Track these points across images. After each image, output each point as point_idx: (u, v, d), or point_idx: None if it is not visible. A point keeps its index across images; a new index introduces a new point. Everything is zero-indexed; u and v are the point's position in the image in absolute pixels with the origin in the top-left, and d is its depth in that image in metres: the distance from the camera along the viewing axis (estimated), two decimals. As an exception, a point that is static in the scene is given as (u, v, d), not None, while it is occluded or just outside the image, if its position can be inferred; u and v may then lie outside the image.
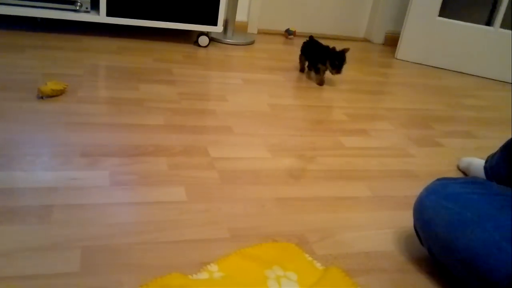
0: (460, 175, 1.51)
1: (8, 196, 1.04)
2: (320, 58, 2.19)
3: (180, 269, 0.90)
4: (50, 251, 0.90)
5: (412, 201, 1.04)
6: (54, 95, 1.59)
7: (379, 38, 3.33)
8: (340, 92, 2.16)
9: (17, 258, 0.87)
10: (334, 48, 2.13)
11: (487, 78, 2.82)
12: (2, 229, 0.94)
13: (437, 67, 2.90)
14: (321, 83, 2.20)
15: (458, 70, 2.87)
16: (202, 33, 2.54)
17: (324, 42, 2.29)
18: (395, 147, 1.64)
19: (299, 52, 2.35)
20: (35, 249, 0.90)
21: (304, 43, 2.34)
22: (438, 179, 1.03)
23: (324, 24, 3.27)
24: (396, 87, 2.40)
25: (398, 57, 2.97)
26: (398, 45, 2.98)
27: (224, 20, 2.57)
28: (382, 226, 1.16)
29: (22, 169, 1.16)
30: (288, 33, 3.07)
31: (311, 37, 2.34)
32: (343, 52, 2.13)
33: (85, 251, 0.91)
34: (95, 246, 0.93)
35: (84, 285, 0.83)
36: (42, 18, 2.40)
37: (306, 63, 2.34)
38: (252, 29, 3.08)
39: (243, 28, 3.04)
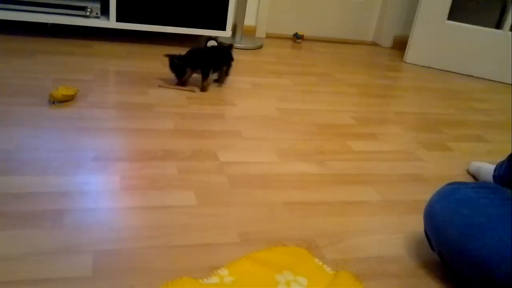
0: (470, 179, 1.50)
1: (21, 201, 1.06)
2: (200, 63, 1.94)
3: (190, 273, 0.90)
4: (62, 255, 0.91)
5: (422, 206, 1.04)
6: (65, 100, 1.60)
7: (387, 41, 3.32)
8: (348, 96, 2.16)
9: (30, 262, 0.88)
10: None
11: (496, 81, 2.80)
12: (15, 233, 0.95)
13: (446, 70, 2.88)
14: (203, 89, 1.93)
15: (468, 73, 2.85)
16: (210, 38, 2.55)
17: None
18: (404, 151, 1.63)
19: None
20: (47, 253, 0.91)
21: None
22: (449, 184, 1.02)
23: (332, 28, 3.27)
24: (405, 90, 2.39)
25: (406, 61, 2.97)
26: (406, 49, 2.97)
27: (232, 24, 2.58)
28: (392, 230, 1.15)
29: (35, 174, 1.17)
30: (297, 37, 3.08)
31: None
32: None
33: (97, 255, 0.92)
34: (106, 250, 0.94)
35: (95, 289, 0.84)
36: (52, 24, 2.43)
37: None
38: (261, 33, 3.09)
39: (251, 32, 3.05)
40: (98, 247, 0.94)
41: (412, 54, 2.95)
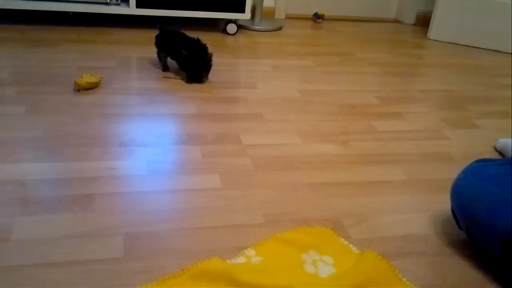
0: (497, 156, 1.47)
1: (52, 186, 1.09)
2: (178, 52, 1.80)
3: (218, 254, 0.92)
4: (94, 238, 0.94)
5: (448, 184, 1.02)
6: (90, 87, 1.63)
7: (410, 18, 3.25)
8: (371, 75, 2.13)
9: (63, 245, 0.91)
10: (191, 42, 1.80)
11: (525, 55, 2.72)
12: (49, 217, 0.98)
13: (471, 46, 2.81)
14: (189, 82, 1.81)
15: (494, 49, 2.77)
16: (230, 21, 2.54)
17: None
18: (429, 129, 1.61)
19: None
20: (80, 236, 0.94)
21: (157, 36, 1.90)
22: (476, 161, 1.01)
23: (353, 6, 3.21)
24: (429, 68, 2.34)
25: (430, 37, 2.90)
26: (430, 25, 2.90)
27: (251, 6, 2.56)
28: (418, 209, 1.15)
29: (64, 160, 1.20)
30: (317, 17, 3.03)
31: (161, 27, 1.91)
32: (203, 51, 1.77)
33: (127, 237, 0.95)
34: (136, 233, 0.96)
35: (128, 269, 0.87)
36: (74, 12, 2.46)
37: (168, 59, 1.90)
38: (280, 14, 3.06)
39: (270, 13, 3.02)
40: (128, 229, 0.97)
41: (436, 30, 2.88)
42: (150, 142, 1.34)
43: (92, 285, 0.82)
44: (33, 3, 2.22)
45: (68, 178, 1.13)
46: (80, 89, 1.61)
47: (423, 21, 3.13)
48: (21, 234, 0.93)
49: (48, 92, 1.59)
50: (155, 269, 0.87)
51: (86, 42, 2.16)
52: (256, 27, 2.74)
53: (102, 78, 1.69)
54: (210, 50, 1.81)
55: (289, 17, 3.08)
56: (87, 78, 1.63)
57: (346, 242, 0.99)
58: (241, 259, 0.92)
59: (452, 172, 1.05)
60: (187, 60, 1.76)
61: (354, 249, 0.97)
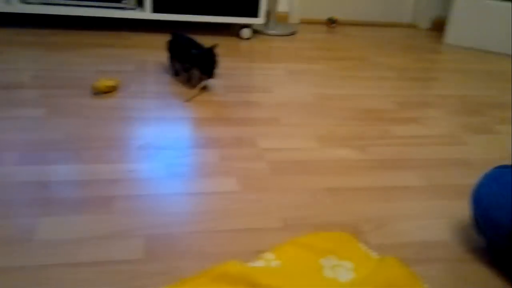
0: (517, 162, 1.46)
1: (74, 188, 1.10)
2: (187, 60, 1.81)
3: (236, 257, 0.92)
4: (115, 239, 0.95)
5: (468, 190, 1.02)
6: (108, 91, 1.65)
7: (425, 23, 3.23)
8: (387, 80, 2.12)
9: (86, 245, 0.92)
10: (201, 46, 1.79)
11: (542, 61, 2.69)
12: (71, 218, 1.00)
13: (488, 51, 2.78)
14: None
15: (511, 53, 2.74)
16: (244, 26, 2.56)
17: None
18: (447, 135, 1.60)
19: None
20: (101, 237, 0.95)
21: (168, 42, 1.91)
22: (497, 167, 1.00)
23: (367, 11, 3.21)
24: (446, 73, 2.33)
25: (446, 42, 2.88)
26: (446, 29, 2.89)
27: (265, 11, 2.57)
28: (438, 215, 1.14)
29: (85, 162, 1.22)
30: (331, 21, 3.04)
31: (173, 33, 1.91)
32: (211, 50, 1.76)
33: (148, 239, 0.95)
34: (156, 235, 0.97)
35: (148, 271, 0.87)
36: (91, 17, 2.49)
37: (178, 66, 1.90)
38: (294, 19, 3.07)
39: (284, 18, 3.03)
40: (149, 231, 0.98)
41: (452, 35, 2.86)
42: (167, 145, 1.35)
43: (115, 286, 0.83)
44: (52, 8, 2.26)
45: (89, 180, 1.14)
46: (98, 92, 1.64)
47: (439, 26, 3.12)
48: (44, 234, 0.94)
49: (67, 95, 1.61)
50: (175, 270, 0.88)
51: (104, 46, 2.19)
52: (271, 32, 2.75)
53: (120, 81, 1.71)
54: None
55: (303, 22, 3.09)
56: (105, 82, 1.65)
57: (365, 247, 0.99)
58: (260, 263, 0.92)
59: (471, 178, 1.04)
60: (197, 56, 1.75)
61: (374, 254, 0.97)
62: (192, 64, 1.80)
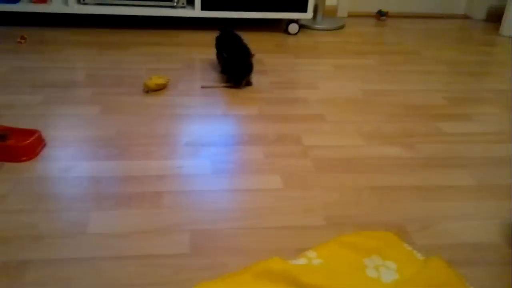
0: None
1: (125, 183, 1.16)
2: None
3: (279, 254, 0.93)
4: (163, 234, 0.99)
5: (523, 191, 0.98)
6: (158, 89, 1.71)
7: (480, 13, 3.08)
8: (438, 74, 2.05)
9: (135, 239, 0.97)
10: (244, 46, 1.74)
11: None
12: (120, 212, 1.05)
13: (550, 42, 2.62)
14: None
15: None
16: (292, 21, 2.55)
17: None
18: (500, 132, 1.53)
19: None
20: (150, 231, 0.99)
21: (216, 38, 1.91)
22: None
23: (419, 2, 3.10)
24: (501, 66, 2.22)
25: (503, 34, 2.74)
26: (502, 20, 2.74)
27: (313, 6, 2.55)
28: (487, 216, 1.10)
29: (135, 158, 1.27)
30: (380, 14, 2.96)
31: (222, 29, 1.89)
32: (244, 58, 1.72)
33: (193, 234, 0.99)
34: (201, 230, 1.00)
35: (194, 265, 0.91)
36: (142, 16, 2.58)
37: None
38: (342, 12, 3.02)
39: (332, 12, 2.99)
40: (194, 226, 1.01)
41: (508, 26, 2.71)
42: (214, 142, 1.38)
43: (161, 279, 0.87)
44: (107, 8, 2.36)
45: (138, 176, 1.19)
46: (149, 90, 1.69)
47: (495, 17, 2.96)
48: (96, 228, 1.00)
49: (120, 93, 1.68)
50: (219, 265, 0.91)
51: (154, 45, 2.26)
52: (318, 26, 2.72)
53: (169, 79, 1.76)
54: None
55: (351, 15, 3.04)
56: (155, 80, 1.70)
57: (410, 248, 0.97)
58: (302, 261, 0.93)
59: (526, 179, 0.99)
60: (227, 61, 1.76)
61: (419, 255, 0.95)
62: (222, 68, 1.82)
